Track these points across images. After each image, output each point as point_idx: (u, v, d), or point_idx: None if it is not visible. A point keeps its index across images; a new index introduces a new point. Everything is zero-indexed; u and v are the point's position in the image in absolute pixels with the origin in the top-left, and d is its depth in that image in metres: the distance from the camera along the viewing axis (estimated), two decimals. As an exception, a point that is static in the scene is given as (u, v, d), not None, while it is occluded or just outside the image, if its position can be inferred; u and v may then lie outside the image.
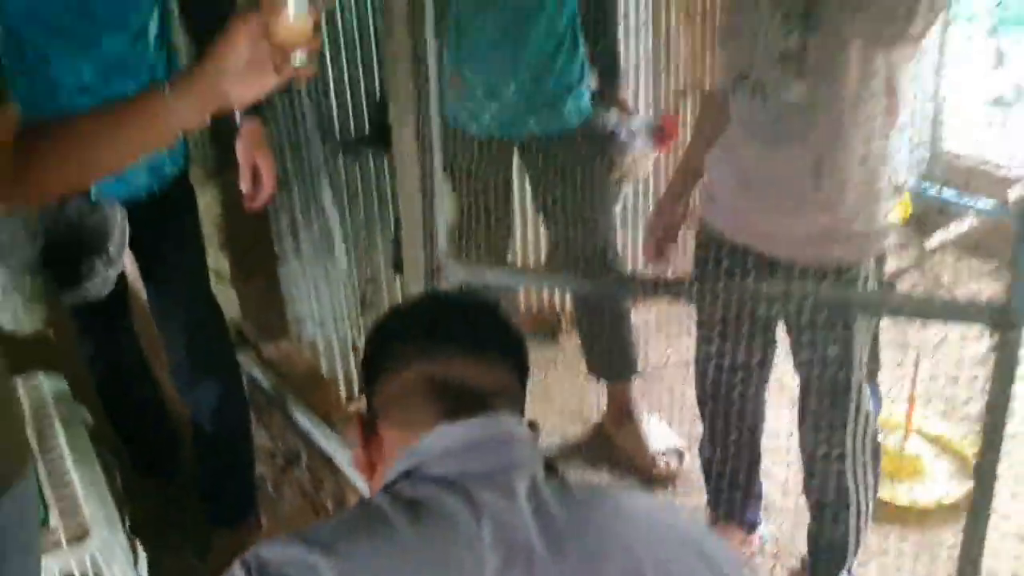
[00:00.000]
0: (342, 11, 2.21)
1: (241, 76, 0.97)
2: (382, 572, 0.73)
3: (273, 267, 2.41)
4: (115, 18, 1.70)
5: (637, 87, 2.68)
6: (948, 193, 3.23)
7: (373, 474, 0.88)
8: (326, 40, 2.21)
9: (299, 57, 0.99)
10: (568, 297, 2.71)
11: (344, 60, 2.23)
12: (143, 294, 1.97)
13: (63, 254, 1.79)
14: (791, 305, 1.58)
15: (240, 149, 1.86)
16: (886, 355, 1.82)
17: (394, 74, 1.45)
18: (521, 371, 0.93)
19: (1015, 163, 3.11)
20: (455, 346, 0.87)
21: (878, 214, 1.54)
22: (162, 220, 1.88)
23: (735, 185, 1.61)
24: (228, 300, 2.40)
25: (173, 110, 0.99)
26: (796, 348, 1.68)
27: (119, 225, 1.81)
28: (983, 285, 2.93)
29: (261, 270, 2.39)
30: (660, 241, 1.82)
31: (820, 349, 1.59)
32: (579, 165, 2.14)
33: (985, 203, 3.20)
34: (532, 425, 0.89)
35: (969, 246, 3.43)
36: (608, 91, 2.26)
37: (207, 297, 2.02)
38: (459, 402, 0.83)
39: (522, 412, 0.92)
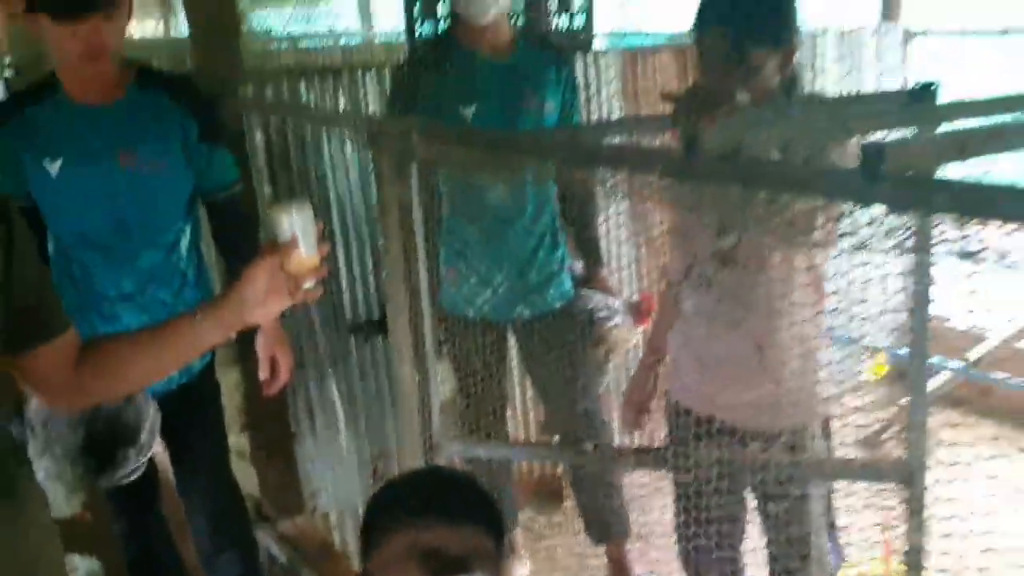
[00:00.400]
0: (352, 211, 2.51)
1: (262, 303, 1.22)
2: None
3: (291, 446, 2.61)
4: (151, 236, 1.98)
5: (620, 270, 2.95)
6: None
7: None
8: (340, 235, 2.51)
9: (308, 284, 1.25)
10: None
11: (354, 253, 2.52)
12: (172, 476, 2.17)
13: (101, 444, 2.00)
14: (748, 470, 1.76)
15: (260, 343, 2.10)
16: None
17: (390, 275, 1.71)
18: (496, 536, 1.11)
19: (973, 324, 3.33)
20: (437, 517, 1.06)
21: (819, 383, 1.74)
22: (189, 411, 2.10)
23: (691, 362, 1.83)
24: (248, 478, 2.59)
25: (203, 333, 1.23)
26: (760, 507, 1.84)
27: (151, 417, 2.03)
28: (960, 436, 3.07)
29: (279, 449, 2.59)
30: (635, 413, 2.02)
31: (776, 507, 1.75)
32: (564, 342, 2.38)
33: (954, 362, 3.39)
34: None
35: (952, 400, 3.61)
36: (592, 275, 2.53)
37: (228, 481, 2.22)
38: (441, 565, 1.02)
39: (497, 571, 1.10)
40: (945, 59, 3.71)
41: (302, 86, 2.36)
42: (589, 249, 2.53)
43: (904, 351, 3.38)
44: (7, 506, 1.16)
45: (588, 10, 2.91)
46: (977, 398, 3.66)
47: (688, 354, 1.85)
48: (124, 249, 1.97)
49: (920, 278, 1.29)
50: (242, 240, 2.05)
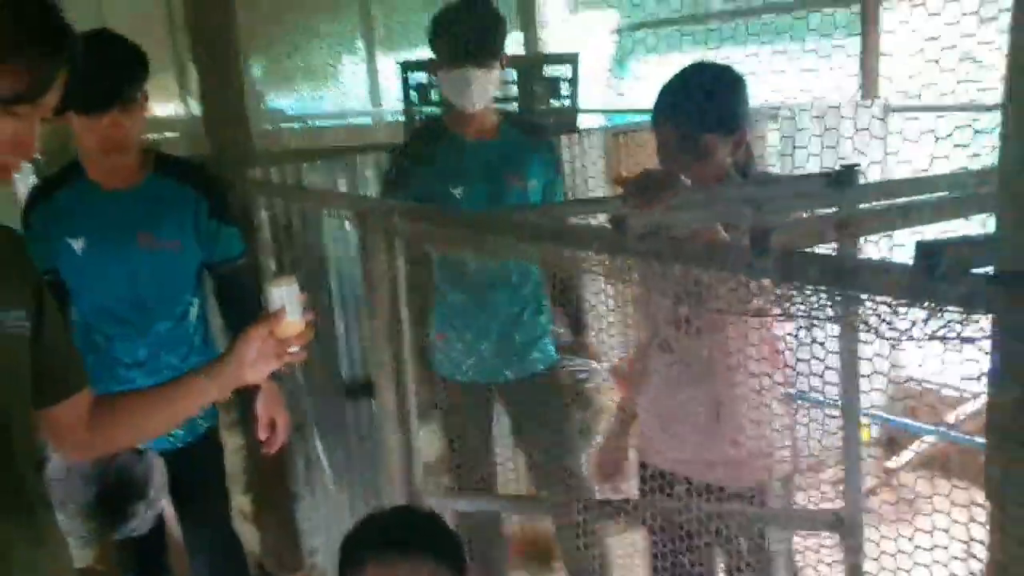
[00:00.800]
0: (349, 282, 2.69)
1: (254, 364, 1.39)
2: None
3: (290, 506, 2.75)
4: (165, 308, 2.17)
5: (605, 335, 3.10)
6: (900, 418, 3.50)
7: None
8: (339, 304, 2.68)
9: (294, 348, 1.42)
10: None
11: (351, 321, 2.68)
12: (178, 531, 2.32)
13: (112, 498, 2.15)
14: (711, 523, 1.88)
15: (260, 405, 2.25)
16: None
17: (376, 341, 1.87)
18: (455, 568, 1.26)
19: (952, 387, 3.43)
20: (396, 552, 1.22)
21: (775, 443, 1.87)
22: (194, 470, 2.25)
23: (655, 422, 1.97)
24: (250, 536, 2.73)
25: (206, 390, 1.40)
26: (726, 559, 1.96)
27: (159, 474, 2.19)
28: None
29: (279, 509, 2.73)
30: (607, 470, 2.15)
31: (736, 560, 1.87)
32: (546, 404, 2.52)
33: (938, 426, 3.48)
34: None
35: (938, 463, 3.69)
36: (577, 341, 2.68)
37: (230, 536, 2.37)
38: None
39: None
40: (921, 134, 3.88)
41: (304, 167, 2.57)
42: (573, 315, 2.68)
43: (893, 417, 3.52)
44: (42, 554, 1.31)
45: (574, 93, 3.12)
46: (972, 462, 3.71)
47: (652, 414, 1.99)
48: (140, 321, 2.15)
49: (846, 344, 1.43)
50: (245, 309, 2.22)
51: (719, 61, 1.99)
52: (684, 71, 1.86)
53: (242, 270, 2.27)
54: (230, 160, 2.41)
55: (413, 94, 3.01)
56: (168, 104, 4.69)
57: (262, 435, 2.26)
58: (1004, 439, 0.84)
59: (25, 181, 3.48)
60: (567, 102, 3.16)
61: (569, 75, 3.13)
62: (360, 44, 5.89)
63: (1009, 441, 0.84)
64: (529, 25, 4.97)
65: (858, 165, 1.42)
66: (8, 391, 1.24)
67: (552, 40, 4.91)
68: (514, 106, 3.10)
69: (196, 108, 4.09)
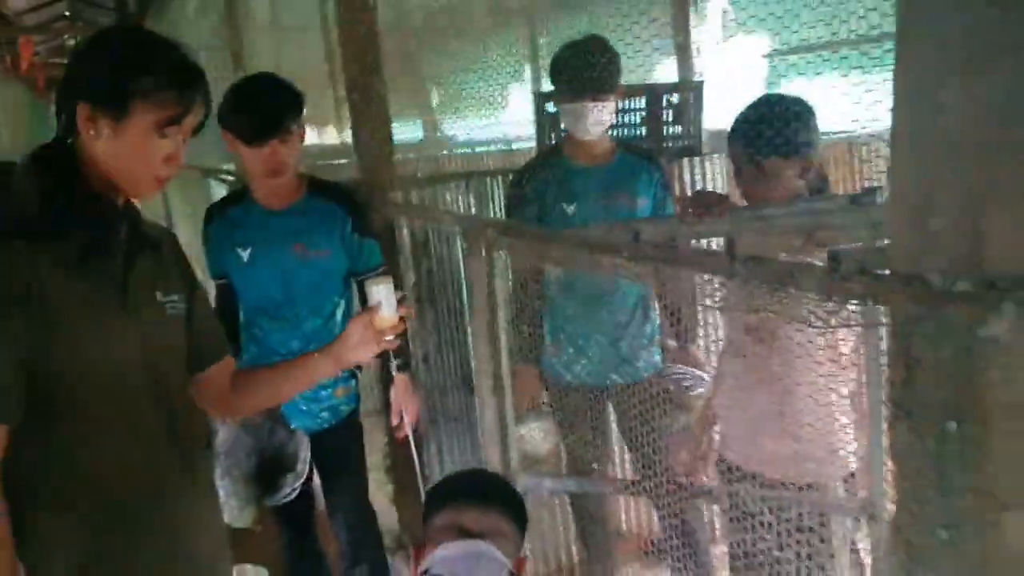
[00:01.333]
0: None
1: (355, 347, 1.72)
2: None
3: (423, 487, 3.08)
4: (314, 307, 2.55)
5: (711, 344, 3.26)
6: None
7: None
8: (469, 312, 3.00)
9: (389, 337, 1.73)
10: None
11: (467, 322, 3.00)
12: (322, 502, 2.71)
13: (268, 469, 2.57)
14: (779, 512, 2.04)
15: (393, 394, 2.60)
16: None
17: (476, 338, 2.16)
18: (518, 525, 1.52)
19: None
20: (470, 501, 1.49)
21: (836, 445, 2.01)
22: (335, 448, 2.63)
23: (732, 422, 2.15)
24: (391, 514, 3.09)
25: (319, 365, 1.76)
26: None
27: (307, 450, 2.58)
28: None
29: (415, 490, 3.07)
30: (690, 463, 2.35)
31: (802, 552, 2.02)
32: (650, 407, 2.72)
33: None
34: (521, 561, 1.47)
35: None
36: (682, 349, 2.87)
37: (366, 509, 2.73)
38: (463, 535, 1.43)
39: (517, 548, 1.49)
40: None
41: (452, 187, 2.92)
42: (680, 325, 2.87)
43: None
44: (214, 504, 1.72)
45: (697, 120, 3.31)
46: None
47: (727, 415, 2.17)
48: (293, 317, 2.55)
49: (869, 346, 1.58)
50: None
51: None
52: (756, 100, 2.05)
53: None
54: (376, 184, 2.78)
55: (547, 122, 3.30)
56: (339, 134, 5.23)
57: (394, 421, 2.60)
58: (896, 408, 1.02)
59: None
60: (691, 128, 3.35)
61: (693, 101, 3.32)
62: (527, 73, 6.25)
63: (899, 409, 1.01)
64: (684, 51, 5.16)
65: (879, 186, 1.57)
66: (171, 361, 1.62)
67: (705, 65, 5.07)
68: (641, 132, 3.33)
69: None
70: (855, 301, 1.04)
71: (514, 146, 5.86)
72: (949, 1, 0.84)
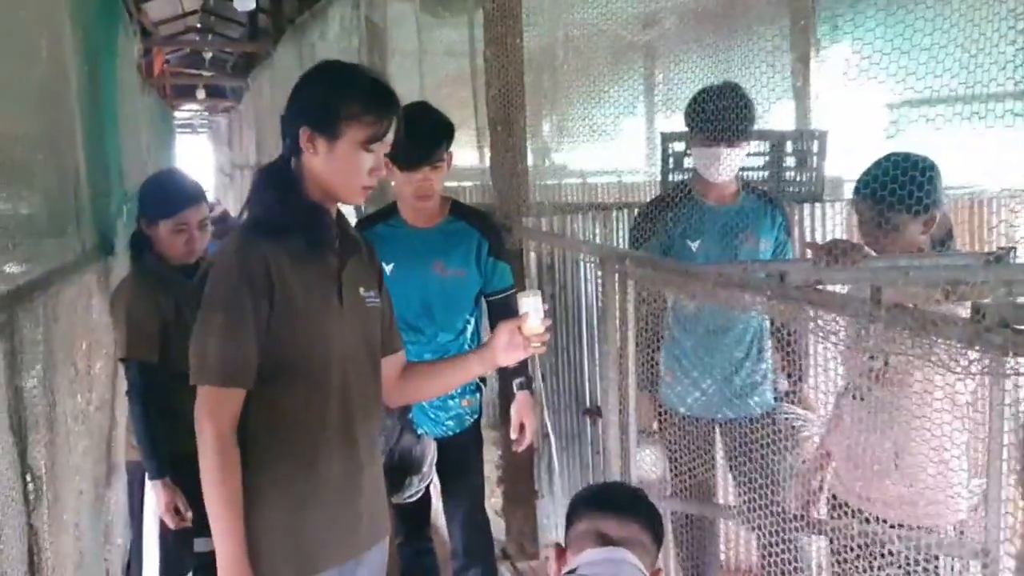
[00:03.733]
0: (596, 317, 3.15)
1: (505, 352, 1.91)
2: None
3: (533, 502, 3.23)
4: (448, 323, 2.73)
5: (822, 388, 3.31)
6: None
7: None
8: (587, 336, 3.15)
9: (536, 344, 1.89)
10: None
11: (597, 351, 3.14)
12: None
13: (397, 470, 2.74)
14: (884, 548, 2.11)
15: (513, 410, 2.75)
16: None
17: (605, 364, 2.31)
18: (654, 537, 1.63)
19: None
20: (611, 511, 1.61)
21: (949, 489, 2.07)
22: (458, 454, 2.80)
23: (846, 462, 2.23)
24: (496, 524, 3.24)
25: (471, 365, 1.98)
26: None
27: (431, 454, 2.76)
28: None
29: (524, 503, 3.22)
30: (804, 501, 2.43)
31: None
32: (759, 445, 2.80)
33: None
34: (656, 573, 1.59)
35: None
36: (795, 390, 2.95)
37: (481, 515, 2.88)
38: (605, 542, 1.57)
39: (653, 560, 1.60)
40: None
41: (569, 217, 3.08)
42: (793, 365, 2.95)
43: None
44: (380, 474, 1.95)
45: (820, 166, 3.40)
46: None
47: (843, 455, 2.26)
48: (429, 331, 2.73)
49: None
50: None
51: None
52: (884, 157, 2.15)
53: (510, 299, 2.79)
54: (509, 209, 2.96)
55: (671, 161, 3.43)
56: (468, 155, 5.45)
57: (513, 434, 2.75)
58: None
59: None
60: (814, 174, 3.43)
61: (817, 150, 3.41)
62: (641, 107, 6.39)
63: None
64: (802, 96, 5.22)
65: (1014, 246, 1.66)
66: (372, 348, 1.87)
67: (823, 111, 5.12)
68: (762, 175, 3.43)
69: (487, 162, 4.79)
70: (995, 351, 1.14)
71: (624, 179, 6.00)
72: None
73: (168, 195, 2.68)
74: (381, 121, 1.71)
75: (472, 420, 2.82)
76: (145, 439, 2.55)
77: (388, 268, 2.69)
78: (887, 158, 2.12)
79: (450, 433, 2.78)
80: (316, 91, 1.72)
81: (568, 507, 1.71)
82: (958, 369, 1.19)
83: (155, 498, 2.60)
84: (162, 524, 2.66)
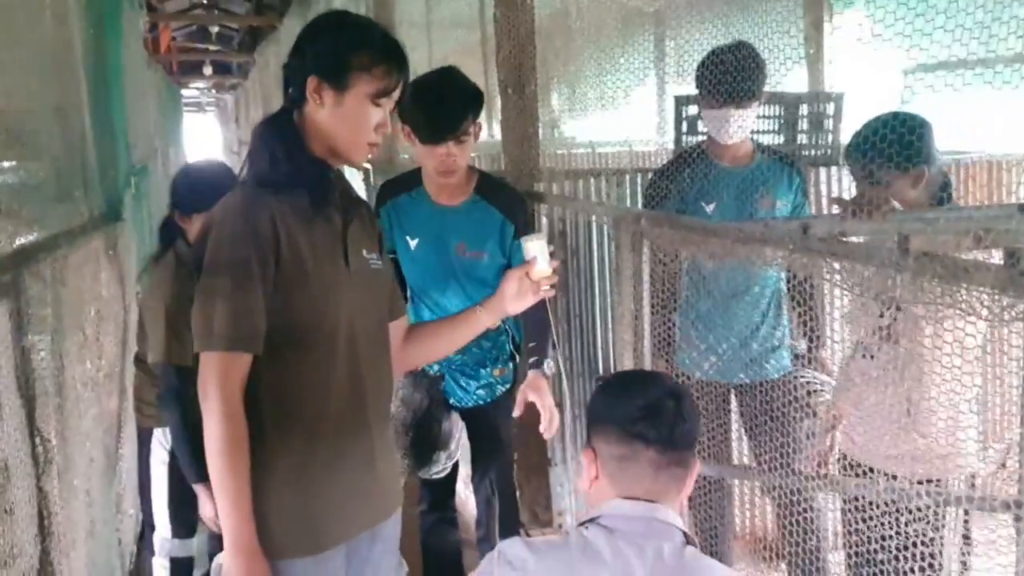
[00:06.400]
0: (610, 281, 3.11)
1: (514, 300, 1.88)
2: (553, 571, 1.43)
3: (547, 471, 3.22)
4: (467, 302, 2.59)
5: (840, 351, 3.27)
6: None
7: (588, 489, 1.54)
8: (600, 303, 3.11)
9: (544, 289, 1.86)
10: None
11: (610, 317, 3.10)
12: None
13: (424, 446, 2.72)
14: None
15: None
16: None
17: (619, 323, 2.27)
18: (692, 453, 1.52)
19: None
20: (653, 440, 1.45)
21: (959, 442, 2.04)
22: (487, 424, 2.75)
23: (857, 420, 2.20)
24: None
25: (479, 317, 1.93)
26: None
27: (460, 431, 2.73)
28: None
29: (537, 472, 3.21)
30: (816, 462, 2.40)
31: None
32: (775, 409, 2.77)
33: None
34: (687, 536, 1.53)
35: None
36: (812, 353, 2.91)
37: (509, 482, 2.85)
38: (638, 483, 1.47)
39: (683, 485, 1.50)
40: None
41: (580, 183, 3.03)
42: (811, 328, 2.91)
43: None
44: (391, 438, 1.89)
45: (835, 129, 3.34)
46: None
47: (854, 412, 2.22)
48: (448, 305, 2.66)
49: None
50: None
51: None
52: (875, 117, 2.13)
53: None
54: (520, 175, 2.92)
55: (685, 124, 3.38)
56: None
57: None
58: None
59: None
60: (830, 137, 3.38)
61: (833, 112, 3.35)
62: (652, 76, 6.32)
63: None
64: (815, 62, 5.15)
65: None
66: (378, 309, 1.81)
67: (838, 75, 5.05)
68: (777, 139, 3.38)
69: (496, 130, 4.74)
70: (1032, 295, 1.10)
71: (634, 147, 5.95)
72: None
73: (206, 188, 2.49)
74: (391, 74, 1.64)
75: (504, 390, 2.75)
76: (183, 444, 2.45)
77: (412, 243, 2.65)
78: (876, 118, 2.12)
79: (480, 403, 2.72)
80: (326, 40, 1.65)
81: (599, 401, 1.54)
82: (991, 317, 1.15)
83: (200, 504, 2.53)
84: (170, 483, 2.64)
